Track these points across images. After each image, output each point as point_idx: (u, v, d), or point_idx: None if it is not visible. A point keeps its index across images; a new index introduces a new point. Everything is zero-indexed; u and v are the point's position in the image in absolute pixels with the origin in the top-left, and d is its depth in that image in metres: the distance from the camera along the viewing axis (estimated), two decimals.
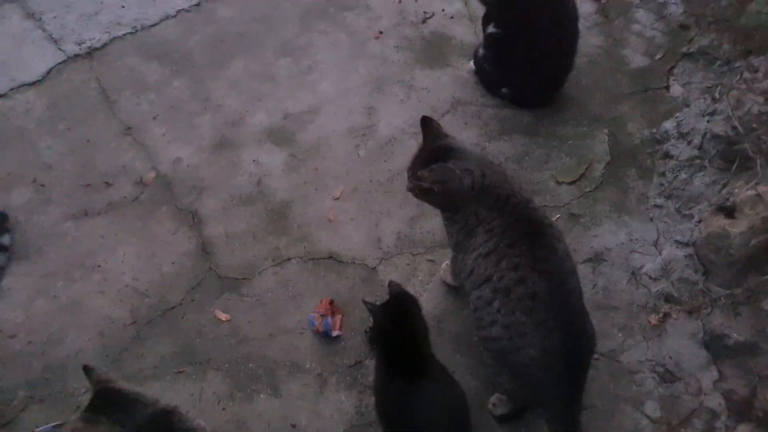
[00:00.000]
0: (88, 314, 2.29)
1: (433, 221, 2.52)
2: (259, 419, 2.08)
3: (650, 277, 2.36)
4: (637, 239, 2.46)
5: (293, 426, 2.07)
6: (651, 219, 2.50)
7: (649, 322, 2.27)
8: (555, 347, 1.76)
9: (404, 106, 2.89)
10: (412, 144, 2.74)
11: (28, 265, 2.40)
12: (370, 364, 2.18)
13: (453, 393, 1.91)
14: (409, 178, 2.04)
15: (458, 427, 1.89)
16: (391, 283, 2.01)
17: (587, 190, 2.60)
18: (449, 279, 2.31)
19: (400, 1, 3.30)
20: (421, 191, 1.99)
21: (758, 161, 2.20)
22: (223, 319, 2.29)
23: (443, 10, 3.26)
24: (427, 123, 2.05)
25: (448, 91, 2.95)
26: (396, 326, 1.90)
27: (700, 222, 2.36)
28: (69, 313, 2.29)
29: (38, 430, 1.95)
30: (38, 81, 2.90)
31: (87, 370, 1.70)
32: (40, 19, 3.12)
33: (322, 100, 2.92)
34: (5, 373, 2.15)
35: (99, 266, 2.41)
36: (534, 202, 1.95)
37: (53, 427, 1.88)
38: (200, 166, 2.70)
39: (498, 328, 1.83)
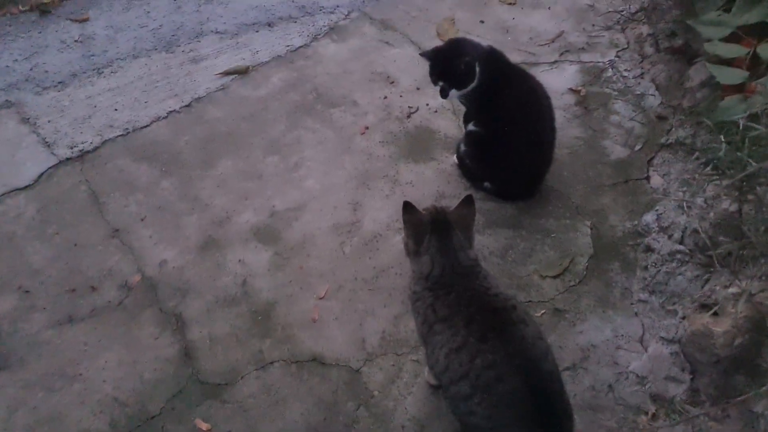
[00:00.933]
0: (68, 427, 2.25)
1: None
2: None
3: (637, 376, 2.32)
4: (622, 335, 2.44)
5: None
6: (636, 314, 2.48)
7: (638, 425, 2.22)
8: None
9: (389, 201, 2.93)
10: (397, 240, 2.77)
11: (9, 375, 2.38)
12: None
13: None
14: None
15: None
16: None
17: (571, 284, 2.59)
18: (431, 379, 2.29)
19: (385, 97, 3.40)
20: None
21: (735, 259, 2.20)
22: (204, 429, 2.25)
23: (427, 104, 3.35)
24: (466, 202, 2.09)
25: (433, 185, 3.00)
26: None
27: (684, 319, 2.34)
28: (48, 425, 2.25)
29: None
30: (29, 185, 2.96)
31: None
32: (35, 123, 3.22)
33: (308, 197, 2.96)
34: None
35: (80, 375, 2.39)
36: (491, 287, 1.98)
37: None
38: (185, 268, 2.71)
39: (478, 418, 1.84)
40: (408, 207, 2.03)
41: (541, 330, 1.94)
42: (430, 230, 1.99)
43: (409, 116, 3.31)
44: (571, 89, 3.37)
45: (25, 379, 2.38)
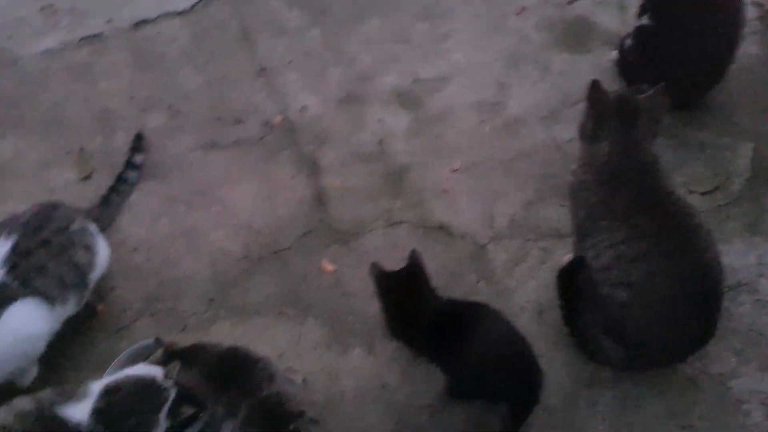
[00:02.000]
0: (204, 243, 2.38)
1: (551, 209, 2.45)
2: (352, 373, 2.11)
3: None
4: (767, 264, 2.31)
5: (383, 386, 2.08)
6: None
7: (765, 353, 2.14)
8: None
9: (537, 88, 2.81)
10: (540, 129, 2.67)
11: (156, 186, 2.52)
12: None
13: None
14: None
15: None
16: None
17: (720, 203, 2.45)
18: None
19: None
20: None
21: None
22: (329, 270, 2.32)
23: None
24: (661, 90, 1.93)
25: (585, 78, 2.77)
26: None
27: None
28: (187, 238, 2.39)
29: (138, 345, 2.04)
30: (185, 11, 3.00)
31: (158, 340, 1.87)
32: None
33: (453, 70, 2.88)
34: (123, 284, 2.27)
35: (220, 199, 2.49)
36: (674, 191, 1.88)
37: (153, 341, 1.96)
38: (325, 117, 2.73)
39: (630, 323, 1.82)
40: (596, 84, 1.88)
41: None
42: (614, 114, 1.86)
43: (570, 3, 3.10)
44: (754, 2, 3.05)
45: (169, 192, 2.50)
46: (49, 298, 1.90)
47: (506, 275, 2.31)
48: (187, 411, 1.72)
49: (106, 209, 2.36)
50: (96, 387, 1.67)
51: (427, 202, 2.50)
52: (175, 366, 1.75)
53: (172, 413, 1.70)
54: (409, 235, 2.41)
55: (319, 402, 2.00)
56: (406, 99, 2.78)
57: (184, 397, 1.74)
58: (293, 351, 2.13)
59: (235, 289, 2.27)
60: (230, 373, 1.75)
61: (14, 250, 1.88)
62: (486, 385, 1.85)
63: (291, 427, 1.62)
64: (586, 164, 1.91)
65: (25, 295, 1.85)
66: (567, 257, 2.26)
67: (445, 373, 1.95)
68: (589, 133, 1.89)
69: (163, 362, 1.78)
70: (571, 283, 2.14)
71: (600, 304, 1.89)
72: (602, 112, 1.86)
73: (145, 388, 1.69)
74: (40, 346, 1.93)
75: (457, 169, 2.57)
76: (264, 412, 1.65)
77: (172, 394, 1.71)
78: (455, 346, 1.82)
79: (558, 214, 2.43)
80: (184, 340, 1.96)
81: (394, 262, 2.31)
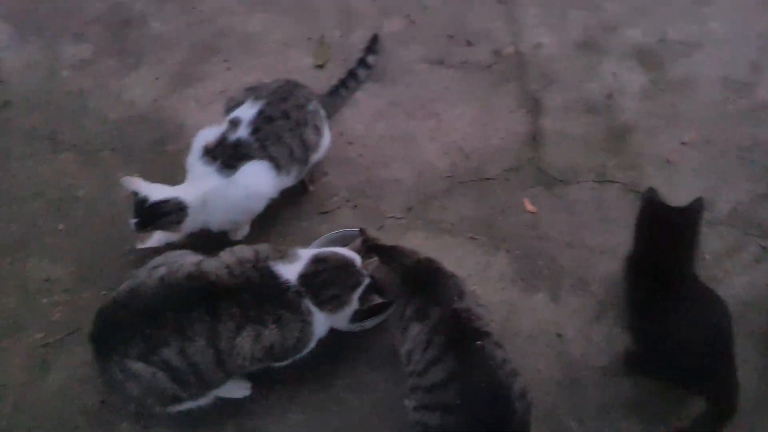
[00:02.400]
0: (415, 152, 2.43)
1: None
2: (530, 314, 2.09)
3: None
4: None
5: (559, 335, 2.06)
6: None
7: None
8: None
9: None
10: None
11: (380, 89, 2.59)
12: None
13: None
14: None
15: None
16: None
17: None
18: None
19: None
20: None
21: None
22: (529, 209, 2.30)
23: None
24: None
25: None
26: None
27: None
28: (400, 144, 2.45)
29: (344, 230, 2.15)
30: None
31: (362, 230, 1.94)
32: None
33: (706, 38, 2.66)
34: (334, 172, 2.38)
35: (437, 114, 2.52)
36: None
37: (358, 230, 2.05)
38: (558, 58, 2.65)
39: None
40: None
41: None
42: None
43: None
44: None
45: (391, 97, 2.57)
46: (278, 166, 2.05)
47: (715, 264, 2.16)
48: (376, 299, 1.82)
49: (334, 99, 2.47)
50: (304, 254, 1.80)
51: (645, 167, 2.37)
52: (373, 261, 1.83)
53: (363, 298, 1.81)
54: (618, 197, 2.31)
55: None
56: (647, 57, 2.62)
57: (374, 287, 1.84)
58: (478, 277, 2.15)
59: (434, 203, 2.31)
60: (424, 281, 1.80)
61: (260, 114, 2.03)
62: (683, 371, 1.76)
63: (477, 342, 1.65)
64: None
65: (261, 157, 2.01)
66: None
67: (642, 341, 1.89)
68: None
69: (362, 252, 1.87)
70: None
71: None
72: None
73: (347, 267, 1.81)
74: (261, 205, 2.10)
75: (687, 142, 2.41)
76: (453, 324, 1.69)
77: (366, 281, 1.81)
78: (674, 316, 1.75)
79: None
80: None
81: (597, 222, 2.26)
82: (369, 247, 1.89)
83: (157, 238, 1.97)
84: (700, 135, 2.41)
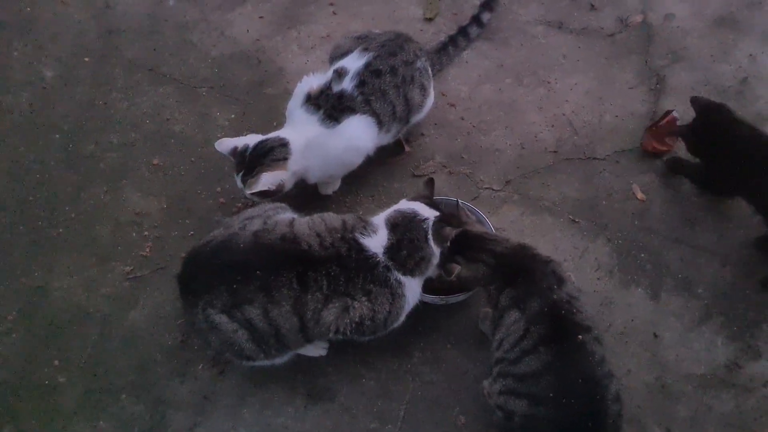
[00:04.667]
0: (520, 122, 2.29)
1: None
2: (626, 309, 1.96)
3: None
4: None
5: (655, 336, 1.92)
6: None
7: None
8: None
9: None
10: None
11: (491, 50, 2.43)
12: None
13: None
14: None
15: None
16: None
17: None
18: None
19: None
20: None
21: None
22: (639, 197, 2.13)
23: None
24: None
25: None
26: None
27: None
28: (505, 111, 2.31)
29: (444, 198, 2.04)
30: None
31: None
32: None
33: None
34: (432, 133, 2.27)
35: (548, 83, 2.35)
36: None
37: (456, 201, 1.95)
38: (690, 33, 2.41)
39: None
40: None
41: None
42: None
43: None
44: None
45: (501, 59, 2.41)
46: (380, 122, 1.96)
47: None
48: (449, 231, 1.73)
49: (441, 57, 2.34)
50: (379, 221, 1.74)
51: None
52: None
53: (437, 236, 1.73)
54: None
55: None
56: None
57: (441, 219, 1.76)
58: (573, 263, 2.03)
59: (535, 179, 2.18)
60: (520, 268, 1.69)
61: (367, 68, 1.93)
62: None
63: (579, 336, 1.56)
64: None
65: (364, 111, 1.92)
66: None
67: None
68: None
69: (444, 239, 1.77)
70: None
71: None
72: None
73: (417, 223, 1.73)
74: (359, 160, 2.02)
75: None
76: (553, 315, 1.59)
77: (431, 220, 1.74)
78: None
79: None
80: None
81: (712, 220, 2.08)
82: (457, 237, 1.78)
83: (263, 181, 1.91)
84: None
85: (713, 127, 1.96)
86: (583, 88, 2.33)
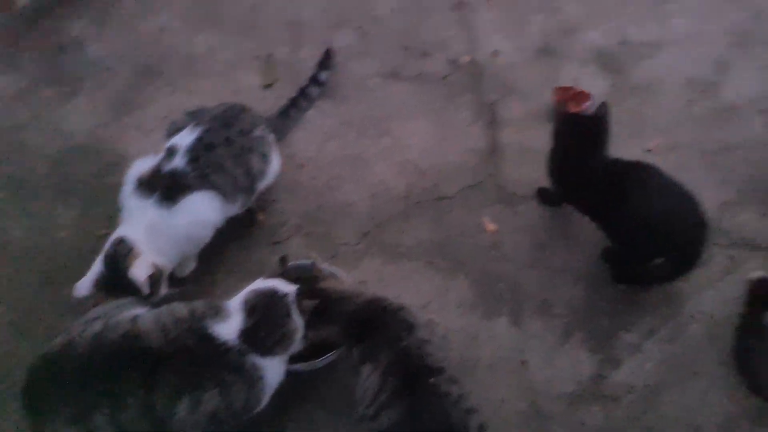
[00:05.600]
0: (368, 173, 2.33)
1: (750, 214, 2.16)
2: (492, 340, 2.00)
3: None
4: None
5: (522, 363, 1.97)
6: None
7: None
8: None
9: (763, 74, 2.44)
10: (758, 121, 2.33)
11: (333, 107, 2.48)
12: (626, 337, 1.98)
13: None
14: None
15: None
16: None
17: None
18: None
19: None
20: None
21: None
22: (490, 229, 2.20)
23: None
24: None
25: None
26: None
27: None
28: (352, 165, 2.35)
29: (297, 262, 2.04)
30: None
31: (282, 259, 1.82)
32: None
33: (669, 37, 2.57)
34: (285, 198, 2.28)
35: (391, 131, 2.42)
36: None
37: (310, 263, 1.96)
38: (516, 66, 2.54)
39: None
40: None
41: None
42: None
43: None
44: None
45: (344, 115, 2.46)
46: (223, 194, 1.94)
47: (682, 278, 2.07)
48: (307, 304, 1.70)
49: (284, 121, 2.37)
50: (234, 304, 1.68)
51: None
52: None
53: (299, 309, 1.70)
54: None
55: (455, 361, 1.93)
56: (609, 61, 2.52)
57: (302, 292, 1.73)
58: (437, 303, 2.06)
59: (390, 227, 2.22)
60: (370, 323, 1.70)
61: (199, 142, 1.92)
62: (651, 239, 1.89)
63: (431, 380, 1.57)
64: None
65: (202, 187, 1.90)
66: (757, 274, 2.00)
67: (606, 230, 2.01)
68: None
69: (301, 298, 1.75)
70: (759, 303, 1.91)
71: None
72: None
73: (276, 301, 1.69)
74: (208, 233, 1.99)
75: (651, 149, 2.31)
76: (404, 363, 1.60)
77: (292, 294, 1.70)
78: (623, 200, 1.89)
79: (757, 223, 2.15)
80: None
81: (561, 240, 2.17)
82: (310, 294, 1.77)
83: (138, 272, 1.84)
84: (665, 141, 2.32)
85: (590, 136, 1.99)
86: (425, 131, 2.41)
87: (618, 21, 2.61)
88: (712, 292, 2.04)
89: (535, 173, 2.28)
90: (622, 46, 2.56)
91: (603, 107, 1.91)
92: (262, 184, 2.10)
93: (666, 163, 2.24)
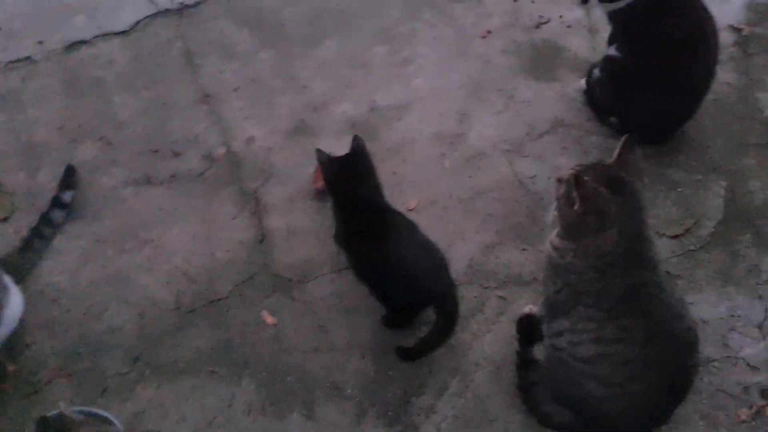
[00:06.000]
0: (132, 291, 2.18)
1: (511, 253, 2.28)
2: None
3: (748, 365, 2.05)
4: (739, 316, 2.15)
5: None
6: (760, 297, 2.18)
7: (738, 416, 1.98)
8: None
9: (500, 118, 2.64)
10: (502, 162, 2.50)
11: (83, 227, 2.31)
12: (418, 401, 1.98)
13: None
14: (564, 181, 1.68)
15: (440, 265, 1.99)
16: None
17: (690, 248, 2.29)
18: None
19: (515, 0, 3.03)
20: (567, 204, 1.64)
21: None
22: (269, 322, 2.13)
23: (561, 16, 2.97)
24: (629, 145, 1.70)
25: (551, 108, 2.67)
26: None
27: None
28: (113, 286, 2.19)
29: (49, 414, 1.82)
30: (125, 32, 2.80)
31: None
32: None
33: (413, 97, 2.70)
34: (40, 339, 2.06)
35: (152, 240, 2.29)
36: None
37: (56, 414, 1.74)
38: (273, 150, 2.54)
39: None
40: (578, 180, 1.58)
41: None
42: (618, 203, 1.58)
43: (538, 26, 2.94)
44: (731, 26, 2.91)
45: (97, 233, 2.30)
46: None
47: (462, 329, 2.12)
48: None
49: (26, 255, 2.16)
50: None
51: None
52: None
53: None
54: (359, 282, 2.23)
55: None
56: (362, 129, 2.57)
57: None
58: (224, 415, 1.94)
59: (163, 344, 2.07)
60: None
61: None
62: (409, 291, 1.96)
63: None
64: (583, 253, 1.65)
65: None
66: (527, 309, 2.10)
67: (366, 283, 2.06)
68: (593, 227, 1.61)
69: None
70: (528, 339, 2.00)
71: (567, 386, 1.77)
72: (602, 205, 1.58)
73: None
74: None
75: (413, 208, 2.39)
76: None
77: None
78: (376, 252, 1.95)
79: (519, 259, 2.27)
80: (104, 406, 1.80)
81: (342, 315, 2.15)
82: None
83: None
84: (424, 197, 2.41)
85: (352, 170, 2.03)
86: (188, 234, 2.31)
87: (365, 90, 2.71)
88: (490, 337, 2.12)
89: (308, 253, 2.28)
90: (372, 112, 2.65)
91: (356, 140, 2.03)
92: (3, 333, 1.88)
93: (429, 218, 2.36)
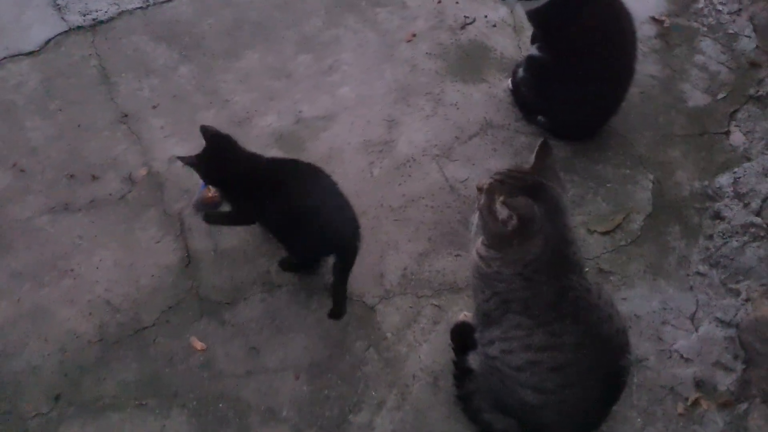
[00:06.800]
0: (53, 325, 2.07)
1: (445, 260, 2.26)
2: None
3: (682, 357, 2.08)
4: (671, 309, 2.17)
5: None
6: (691, 288, 2.21)
7: (675, 410, 2.00)
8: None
9: (428, 123, 2.61)
10: (432, 168, 2.48)
11: None
12: (356, 419, 1.94)
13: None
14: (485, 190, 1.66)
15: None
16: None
17: (621, 243, 2.31)
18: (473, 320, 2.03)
19: (439, 1, 3.01)
20: (490, 214, 1.63)
21: None
22: (198, 348, 2.06)
23: (486, 16, 2.96)
24: (545, 149, 1.67)
25: (480, 110, 2.66)
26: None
27: (747, 301, 2.07)
28: (32, 321, 2.07)
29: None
30: (34, 52, 2.67)
31: None
32: None
33: (340, 106, 2.65)
34: None
35: (72, 270, 2.18)
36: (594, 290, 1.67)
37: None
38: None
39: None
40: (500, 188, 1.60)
41: None
42: (535, 204, 1.56)
43: (463, 27, 2.92)
44: (653, 18, 2.95)
45: (12, 267, 2.18)
46: None
47: (398, 340, 2.09)
48: None
49: None
50: None
51: None
52: None
53: None
54: (290, 300, 2.16)
55: None
56: (288, 142, 2.53)
57: None
58: None
59: (86, 380, 1.97)
60: None
61: None
62: (312, 237, 2.00)
63: None
64: (510, 260, 1.64)
65: None
66: (462, 316, 2.08)
67: (274, 234, 2.13)
68: (519, 233, 1.59)
69: None
70: (463, 347, 1.97)
71: (503, 394, 1.76)
72: (524, 213, 1.55)
73: None
74: None
75: None
76: None
77: None
78: (280, 202, 1.99)
79: (453, 265, 2.25)
80: None
81: (275, 336, 2.09)
82: None
83: None
84: (355, 209, 2.32)
85: (220, 155, 2.04)
86: (110, 261, 2.21)
87: (290, 101, 2.64)
88: (426, 347, 2.09)
89: (237, 273, 2.21)
90: (298, 124, 2.58)
91: (204, 129, 2.04)
92: None
93: (361, 230, 2.31)
